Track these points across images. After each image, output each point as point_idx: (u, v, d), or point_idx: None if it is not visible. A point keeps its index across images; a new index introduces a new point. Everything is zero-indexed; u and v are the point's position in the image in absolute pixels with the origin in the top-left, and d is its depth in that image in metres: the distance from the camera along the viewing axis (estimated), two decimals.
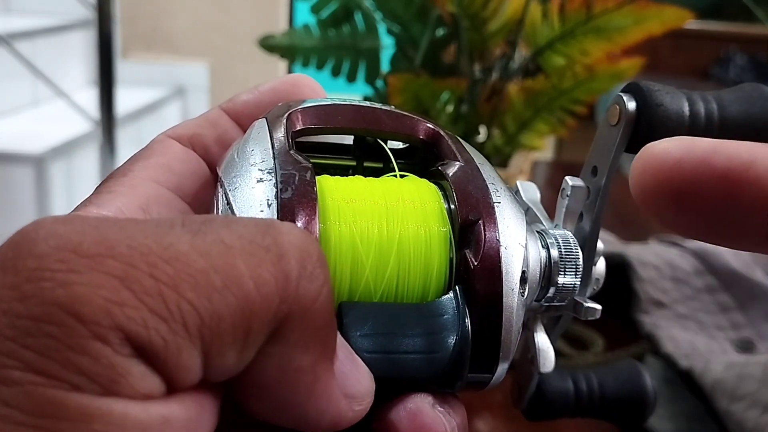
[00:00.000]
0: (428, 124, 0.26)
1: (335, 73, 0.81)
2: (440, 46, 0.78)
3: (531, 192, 0.29)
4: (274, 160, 0.22)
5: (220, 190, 0.23)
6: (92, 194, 0.24)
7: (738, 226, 0.17)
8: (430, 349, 0.21)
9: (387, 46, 0.81)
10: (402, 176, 0.25)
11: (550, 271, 0.24)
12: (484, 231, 0.22)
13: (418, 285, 0.23)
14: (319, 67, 0.81)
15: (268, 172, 0.22)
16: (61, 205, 1.89)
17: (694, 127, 0.24)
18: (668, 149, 0.18)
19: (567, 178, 0.27)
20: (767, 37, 2.68)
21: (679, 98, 0.24)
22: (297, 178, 0.22)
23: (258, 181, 0.22)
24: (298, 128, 0.25)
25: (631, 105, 0.25)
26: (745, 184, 0.17)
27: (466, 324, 0.22)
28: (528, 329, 0.27)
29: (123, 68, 2.13)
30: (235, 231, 0.17)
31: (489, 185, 0.24)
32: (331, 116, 0.26)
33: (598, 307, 0.26)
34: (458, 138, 0.26)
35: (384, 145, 0.27)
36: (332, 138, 0.27)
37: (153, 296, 0.16)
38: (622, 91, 0.26)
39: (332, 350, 0.19)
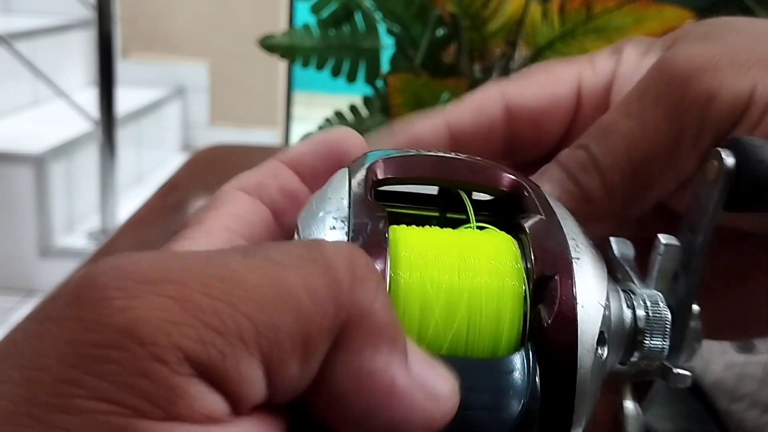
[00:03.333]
0: (511, 176, 0.25)
1: (335, 73, 0.81)
2: (440, 46, 0.78)
3: (624, 248, 0.27)
4: (349, 209, 0.22)
5: (296, 237, 0.23)
6: (170, 241, 0.25)
7: None
8: (496, 406, 0.21)
9: (387, 46, 0.81)
10: (481, 228, 0.25)
11: (635, 333, 0.23)
12: (560, 287, 0.21)
13: (488, 339, 0.22)
14: (319, 67, 0.81)
15: (341, 221, 0.22)
16: (61, 205, 1.89)
17: None
18: None
19: (660, 236, 0.26)
20: None
21: None
22: (369, 227, 0.22)
23: (331, 229, 0.22)
24: (380, 177, 0.24)
25: (730, 161, 0.24)
26: None
27: (536, 384, 0.21)
28: (617, 394, 0.25)
29: (123, 68, 2.14)
30: (282, 249, 0.18)
31: (569, 240, 0.23)
32: (413, 166, 0.25)
33: (688, 373, 0.24)
34: (542, 190, 0.25)
35: (463, 195, 0.26)
36: (419, 188, 0.27)
37: (208, 313, 0.16)
38: (720, 146, 0.24)
39: (403, 349, 0.19)
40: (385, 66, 0.82)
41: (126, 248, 0.63)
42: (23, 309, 1.81)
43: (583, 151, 0.29)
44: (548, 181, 0.30)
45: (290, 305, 0.17)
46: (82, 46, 2.31)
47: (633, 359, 0.24)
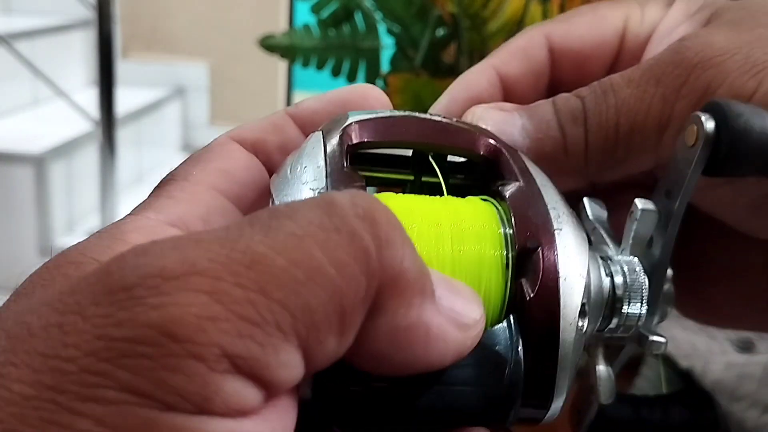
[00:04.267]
0: (489, 139, 0.25)
1: (335, 73, 0.81)
2: (440, 46, 0.78)
3: (597, 210, 0.27)
4: (326, 179, 0.22)
5: (270, 204, 0.23)
6: (151, 196, 0.24)
7: None
8: (480, 381, 0.21)
9: (387, 46, 0.81)
10: (458, 192, 0.24)
11: (613, 300, 0.23)
12: (543, 260, 0.21)
13: None
14: (319, 67, 0.81)
15: (319, 192, 0.22)
16: (61, 205, 1.89)
17: None
18: None
19: (637, 200, 0.25)
20: None
21: (763, 117, 0.23)
22: None
23: None
24: (354, 142, 0.24)
25: (710, 125, 0.23)
26: None
27: (519, 356, 0.21)
28: (589, 357, 0.25)
29: (123, 68, 2.13)
30: (301, 219, 0.17)
31: (550, 210, 0.22)
32: (388, 129, 0.25)
33: (663, 340, 0.24)
34: (521, 155, 0.25)
35: (434, 164, 0.25)
36: (393, 149, 0.26)
37: (242, 305, 0.16)
38: (700, 110, 0.24)
39: (432, 292, 0.19)
40: (385, 66, 0.82)
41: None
42: None
43: (579, 101, 0.29)
44: (538, 118, 0.29)
45: (322, 284, 0.17)
46: (82, 46, 2.31)
47: (611, 326, 0.24)
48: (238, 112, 2.49)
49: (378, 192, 0.26)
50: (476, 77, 0.32)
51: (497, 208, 0.23)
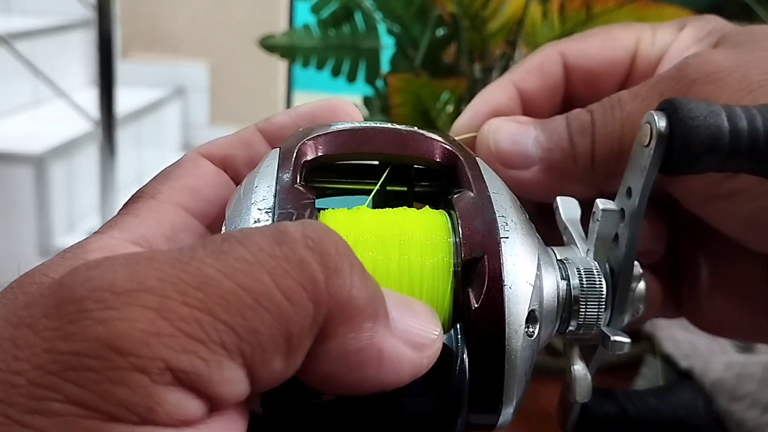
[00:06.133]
0: (446, 146, 0.25)
1: (335, 73, 0.81)
2: (440, 46, 0.78)
3: (571, 209, 0.28)
4: (275, 198, 0.22)
5: (223, 228, 0.23)
6: (119, 214, 0.24)
7: None
8: (424, 391, 0.21)
9: (387, 46, 0.81)
10: (424, 200, 0.25)
11: (570, 302, 0.23)
12: (488, 269, 0.21)
13: None
14: (319, 67, 0.81)
15: (266, 212, 0.22)
16: (61, 205, 1.89)
17: (735, 146, 0.23)
18: None
19: (598, 201, 0.26)
20: None
21: (716, 114, 0.23)
22: (295, 216, 0.21)
23: (254, 222, 0.22)
24: (310, 157, 0.24)
25: (662, 123, 0.23)
26: None
27: (464, 365, 0.21)
28: (565, 357, 0.26)
29: (123, 68, 2.13)
30: (252, 246, 0.18)
31: (498, 218, 0.22)
32: (347, 142, 0.25)
33: (626, 340, 0.24)
34: (477, 161, 0.25)
35: (384, 175, 0.26)
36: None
37: (188, 322, 0.17)
38: (655, 109, 0.24)
39: (384, 316, 0.19)
40: (385, 66, 0.82)
41: None
42: None
43: (589, 115, 0.30)
44: (550, 131, 0.31)
45: (269, 308, 0.17)
46: (82, 46, 2.31)
47: (571, 328, 0.24)
48: (238, 112, 2.48)
49: (354, 200, 0.26)
50: (497, 92, 0.34)
51: (449, 217, 0.23)
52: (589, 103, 0.31)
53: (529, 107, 0.34)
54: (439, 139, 0.26)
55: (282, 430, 0.20)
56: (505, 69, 0.79)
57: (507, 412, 0.22)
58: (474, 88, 0.74)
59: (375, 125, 0.25)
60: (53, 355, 0.16)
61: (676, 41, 0.33)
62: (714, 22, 0.33)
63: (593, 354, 0.27)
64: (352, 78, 0.81)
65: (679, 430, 0.28)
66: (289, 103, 2.42)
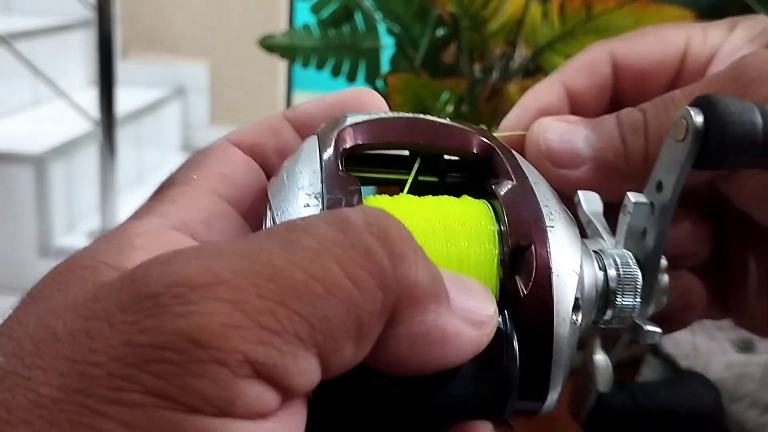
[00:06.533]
0: (482, 138, 0.25)
1: (335, 73, 0.81)
2: (440, 46, 0.78)
3: (593, 203, 0.28)
4: (322, 183, 0.22)
5: (268, 213, 0.23)
6: (153, 201, 0.24)
7: None
8: (475, 375, 0.21)
9: (387, 46, 0.81)
10: (454, 191, 0.25)
11: (607, 293, 0.24)
12: (536, 258, 0.22)
13: None
14: (319, 67, 0.81)
15: (315, 197, 0.22)
16: (61, 205, 1.89)
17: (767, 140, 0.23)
18: None
19: (629, 193, 0.26)
20: None
21: (750, 111, 0.24)
22: (344, 203, 0.22)
23: (305, 207, 0.22)
24: (349, 145, 0.24)
25: (699, 119, 0.24)
26: None
27: (515, 351, 0.21)
28: (587, 347, 0.26)
29: (123, 68, 2.13)
30: (317, 235, 0.18)
31: (543, 207, 0.23)
32: (382, 131, 0.25)
33: (658, 330, 0.25)
34: (514, 153, 0.25)
35: (415, 165, 0.26)
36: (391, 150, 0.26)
37: (264, 314, 0.17)
38: (690, 105, 0.25)
39: (446, 297, 0.20)
40: (385, 66, 0.82)
41: None
42: None
43: (641, 114, 0.30)
44: (601, 130, 0.31)
45: (339, 297, 0.18)
46: (82, 46, 2.31)
47: (606, 317, 0.24)
48: (238, 112, 2.49)
49: (377, 192, 0.26)
50: (545, 91, 0.35)
51: (491, 207, 0.23)
52: (638, 103, 0.31)
53: (578, 106, 0.34)
54: (475, 130, 0.26)
55: (342, 411, 0.21)
56: (505, 69, 0.79)
57: (552, 399, 0.22)
58: (474, 88, 0.74)
59: (410, 115, 0.26)
60: (132, 347, 0.16)
61: (727, 41, 0.33)
62: (766, 23, 0.33)
63: (612, 345, 0.27)
64: (352, 78, 0.81)
65: (689, 419, 0.29)
66: (289, 103, 2.42)
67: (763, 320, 0.35)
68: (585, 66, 0.35)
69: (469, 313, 0.20)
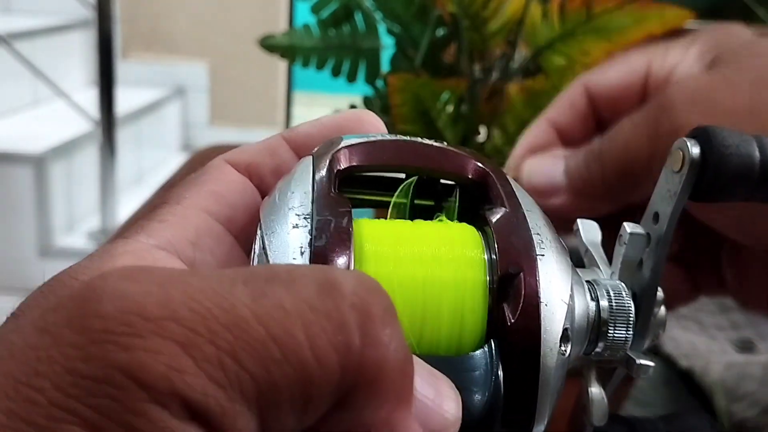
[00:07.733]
0: (478, 163, 0.25)
1: (335, 73, 0.81)
2: (440, 46, 0.78)
3: (591, 232, 0.28)
4: (312, 204, 0.22)
5: (258, 232, 0.23)
6: (144, 220, 0.24)
7: None
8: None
9: (387, 46, 0.81)
10: (449, 215, 0.25)
11: (599, 324, 0.23)
12: (524, 286, 0.21)
13: (452, 336, 0.22)
14: (319, 67, 0.81)
15: (304, 218, 0.22)
16: (61, 205, 1.89)
17: (765, 173, 0.23)
18: None
19: (625, 224, 0.26)
20: None
21: (748, 143, 0.23)
22: (333, 224, 0.21)
23: (293, 227, 0.22)
24: (343, 167, 0.24)
25: (696, 150, 0.24)
26: None
27: (499, 381, 0.21)
28: (582, 379, 0.25)
29: (123, 68, 2.14)
30: (296, 293, 0.17)
31: (534, 235, 0.22)
32: (379, 153, 0.25)
33: (651, 364, 0.24)
34: (508, 178, 0.25)
35: (409, 187, 0.26)
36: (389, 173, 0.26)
37: (213, 364, 0.16)
38: (687, 136, 0.24)
39: (409, 396, 0.19)
40: (385, 66, 0.82)
41: None
42: None
43: (599, 143, 0.35)
44: (574, 161, 0.36)
45: (295, 367, 0.17)
46: (82, 46, 2.31)
47: (597, 349, 0.24)
48: (238, 112, 2.49)
49: (375, 215, 0.26)
50: (535, 131, 0.41)
51: (483, 233, 0.23)
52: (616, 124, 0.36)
53: (567, 138, 0.39)
54: (470, 154, 0.26)
55: None
56: (505, 69, 0.79)
57: (537, 430, 0.22)
58: (474, 88, 0.74)
59: (406, 138, 0.26)
60: (74, 377, 0.16)
61: (682, 60, 0.37)
62: (719, 37, 0.35)
63: (609, 377, 0.26)
64: (352, 78, 0.81)
65: None
66: (288, 103, 2.42)
67: (760, 293, 0.36)
68: (565, 102, 0.40)
69: (429, 418, 0.19)
